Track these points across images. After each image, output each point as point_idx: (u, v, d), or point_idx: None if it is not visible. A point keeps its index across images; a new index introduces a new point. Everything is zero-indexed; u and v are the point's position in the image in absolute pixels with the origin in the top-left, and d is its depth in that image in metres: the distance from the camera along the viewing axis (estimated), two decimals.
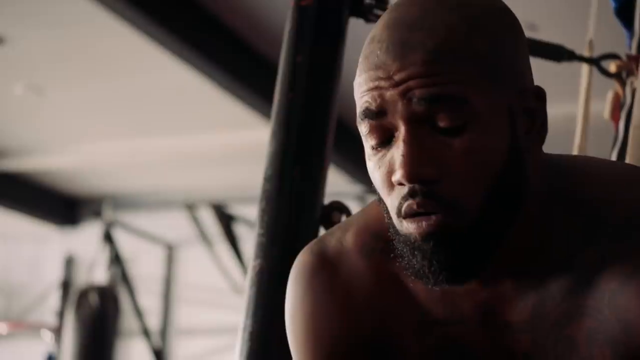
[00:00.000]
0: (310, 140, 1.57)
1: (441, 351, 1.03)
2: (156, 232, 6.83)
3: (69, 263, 7.11)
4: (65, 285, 6.79)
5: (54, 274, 7.05)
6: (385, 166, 0.94)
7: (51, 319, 6.61)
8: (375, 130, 0.94)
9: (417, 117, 0.92)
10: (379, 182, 0.96)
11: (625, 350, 0.97)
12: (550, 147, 1.01)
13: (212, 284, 6.52)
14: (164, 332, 6.86)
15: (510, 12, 0.99)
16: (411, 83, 0.91)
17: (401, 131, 0.92)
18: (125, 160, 6.12)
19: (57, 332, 6.26)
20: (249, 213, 6.06)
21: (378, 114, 0.93)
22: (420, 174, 0.91)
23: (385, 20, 0.95)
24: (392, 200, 0.95)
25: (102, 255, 5.74)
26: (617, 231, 0.99)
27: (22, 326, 6.79)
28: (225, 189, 6.44)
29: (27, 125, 5.74)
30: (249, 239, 5.22)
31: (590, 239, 0.99)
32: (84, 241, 6.97)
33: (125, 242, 6.26)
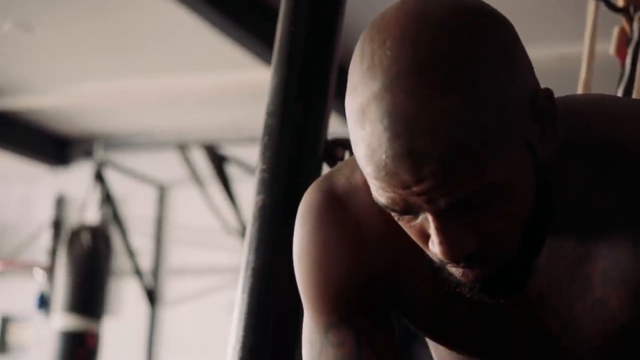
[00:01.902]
0: (313, 74, 1.55)
1: (449, 293, 1.02)
2: (148, 173, 6.81)
3: (60, 203, 7.10)
4: (57, 225, 6.79)
5: (45, 213, 7.03)
6: (417, 229, 0.92)
7: (43, 258, 6.62)
8: (401, 213, 0.91)
9: (446, 211, 0.88)
10: (409, 233, 0.94)
11: (638, 289, 0.97)
12: (555, 85, 0.99)
13: (204, 224, 6.53)
14: (155, 272, 6.88)
15: (498, 24, 0.90)
16: (433, 194, 0.86)
17: (430, 220, 0.89)
18: (117, 100, 6.07)
19: (49, 271, 6.27)
20: (241, 154, 6.04)
21: (402, 212, 0.90)
22: (460, 255, 0.90)
23: (375, 110, 0.85)
24: (430, 248, 0.92)
25: (94, 196, 5.72)
26: (632, 172, 0.98)
27: (14, 265, 6.80)
28: (217, 129, 6.41)
29: (16, 63, 5.67)
30: (241, 180, 5.23)
31: (604, 182, 0.98)
32: (75, 181, 6.94)
33: (116, 182, 6.24)
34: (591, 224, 0.98)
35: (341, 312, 1.06)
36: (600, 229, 0.98)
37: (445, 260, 0.91)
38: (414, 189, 0.86)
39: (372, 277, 1.06)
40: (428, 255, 0.95)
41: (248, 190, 5.14)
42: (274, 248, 1.43)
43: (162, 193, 7.03)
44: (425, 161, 0.84)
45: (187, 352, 6.74)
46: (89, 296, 4.99)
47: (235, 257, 6.40)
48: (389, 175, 0.86)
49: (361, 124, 0.87)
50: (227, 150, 6.00)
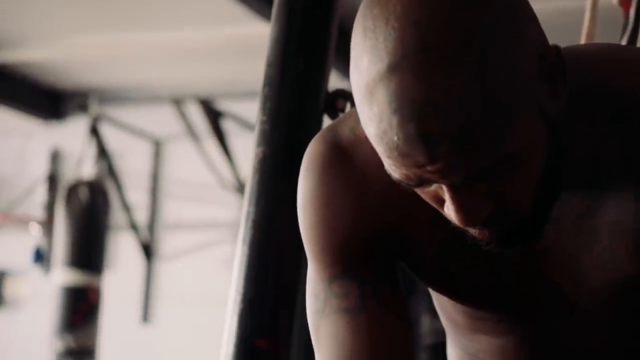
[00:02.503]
0: (315, 24, 1.52)
1: (454, 245, 1.02)
2: (143, 127, 6.79)
3: (55, 157, 7.08)
4: (52, 179, 6.77)
5: (40, 168, 7.02)
6: (431, 195, 0.92)
7: (38, 212, 6.61)
8: (415, 187, 0.91)
9: (460, 183, 0.88)
10: (423, 197, 0.94)
11: None
12: (557, 40, 0.97)
13: (199, 179, 6.52)
14: (151, 226, 6.88)
15: None
16: (447, 172, 0.85)
17: (445, 189, 0.88)
18: (112, 54, 6.02)
19: (45, 225, 6.27)
20: (237, 109, 6.02)
21: (416, 186, 0.90)
22: (476, 221, 0.89)
23: (383, 92, 0.83)
24: (445, 212, 0.92)
25: (89, 150, 5.70)
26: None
27: (9, 219, 6.79)
28: (213, 84, 6.37)
29: (10, 16, 5.61)
30: (237, 135, 5.21)
31: (612, 132, 0.97)
32: (70, 136, 6.92)
33: (112, 137, 6.21)
34: (599, 176, 0.97)
35: (345, 264, 1.06)
36: (608, 181, 0.97)
37: (461, 225, 0.91)
38: (428, 168, 0.85)
39: (377, 229, 1.05)
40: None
41: (244, 145, 5.15)
42: (275, 200, 1.42)
43: (158, 148, 7.01)
44: (438, 142, 0.83)
45: (183, 306, 6.77)
46: (89, 251, 4.99)
47: (231, 212, 6.40)
48: (402, 156, 0.85)
49: (369, 104, 0.85)
50: (223, 105, 5.97)
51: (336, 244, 1.06)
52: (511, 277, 1.04)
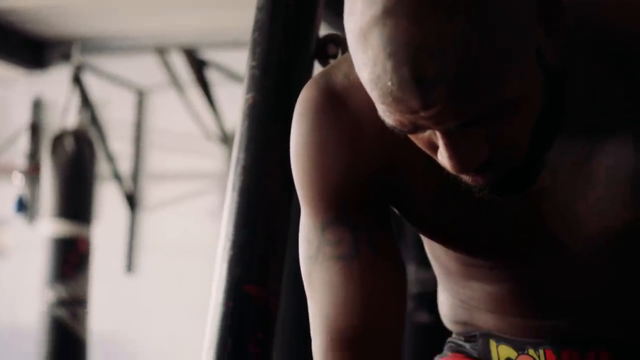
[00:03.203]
0: None
1: (448, 191, 1.01)
2: (126, 77, 6.72)
3: (37, 106, 7.01)
4: (34, 128, 6.71)
5: (23, 117, 6.95)
6: (425, 141, 0.90)
7: (21, 161, 6.56)
8: (409, 133, 0.89)
9: (455, 130, 0.86)
10: (416, 143, 0.92)
11: None
12: None
13: (183, 130, 6.48)
14: (135, 177, 6.85)
15: None
16: (441, 118, 0.83)
17: (439, 136, 0.87)
18: (95, 2, 5.94)
19: (28, 174, 6.22)
20: (222, 59, 5.96)
21: (410, 132, 0.88)
22: (470, 168, 0.88)
23: (377, 36, 0.82)
24: (439, 159, 0.91)
25: (72, 100, 5.64)
26: None
27: None
28: (197, 33, 6.30)
29: None
30: (221, 85, 5.16)
31: (613, 76, 0.95)
32: (52, 85, 6.85)
33: (94, 86, 6.15)
34: (598, 120, 0.96)
35: (338, 210, 1.05)
36: (607, 126, 0.96)
37: (455, 172, 0.89)
38: (422, 114, 0.83)
39: (371, 174, 1.04)
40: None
41: (228, 96, 5.11)
42: (264, 146, 1.40)
43: (141, 98, 6.95)
44: (432, 87, 0.81)
45: (167, 256, 6.77)
46: (77, 201, 4.96)
47: (216, 163, 6.38)
48: (396, 102, 0.83)
49: (363, 48, 0.84)
50: (207, 54, 5.91)
51: (329, 190, 1.05)
52: (506, 223, 1.03)
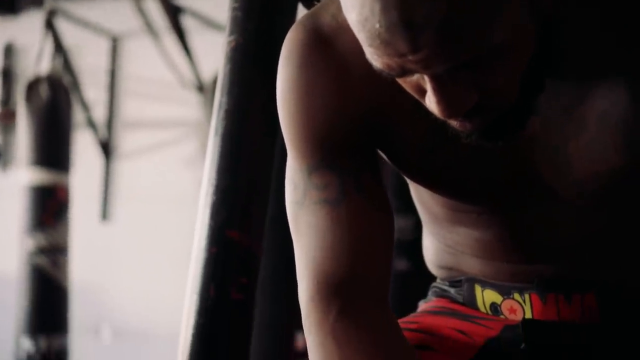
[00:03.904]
0: None
1: (437, 136, 0.99)
2: (100, 23, 6.62)
3: (9, 52, 6.91)
4: (6, 74, 6.62)
5: None
6: (413, 85, 0.88)
7: None
8: (396, 77, 0.87)
9: (443, 74, 0.84)
10: (404, 87, 0.90)
11: (636, 133, 0.94)
12: None
13: (159, 77, 6.41)
14: (110, 124, 6.79)
15: None
16: (430, 62, 0.81)
17: (427, 80, 0.85)
18: None
19: (1, 121, 6.15)
20: (198, 5, 5.88)
21: (398, 76, 0.86)
22: (457, 113, 0.86)
23: None
24: (427, 104, 0.88)
25: (45, 45, 5.55)
26: (633, 12, 0.93)
27: None
28: None
29: None
30: (197, 32, 5.08)
31: (605, 21, 0.94)
32: (25, 30, 6.74)
33: (68, 32, 6.05)
34: (589, 66, 0.95)
35: (325, 153, 1.03)
36: (598, 71, 0.95)
37: (442, 117, 0.88)
38: (410, 57, 0.82)
39: (359, 118, 1.02)
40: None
41: (205, 43, 5.04)
42: (247, 89, 1.38)
43: (116, 44, 6.86)
44: (421, 31, 0.79)
45: (143, 204, 6.74)
46: (54, 149, 4.90)
47: (191, 111, 6.33)
48: (384, 44, 0.81)
49: None
50: (183, 0, 5.83)
51: (316, 133, 1.03)
52: (494, 169, 1.02)
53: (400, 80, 0.89)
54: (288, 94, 1.04)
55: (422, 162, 1.04)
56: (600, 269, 1.06)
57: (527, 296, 1.09)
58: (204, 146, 5.78)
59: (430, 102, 0.87)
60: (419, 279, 1.56)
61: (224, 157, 1.36)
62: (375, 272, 1.03)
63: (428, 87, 0.86)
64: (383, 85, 0.98)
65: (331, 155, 1.03)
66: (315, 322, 1.01)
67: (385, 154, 1.08)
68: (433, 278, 1.29)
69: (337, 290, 1.01)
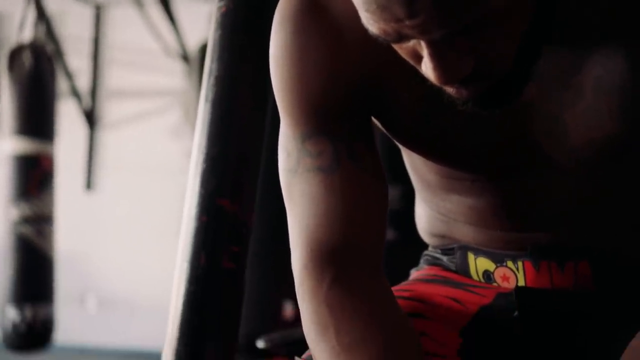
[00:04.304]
0: None
1: (433, 103, 0.98)
2: None
3: None
4: None
5: None
6: (409, 50, 0.87)
7: None
8: (393, 42, 0.86)
9: (440, 39, 0.83)
10: (400, 53, 0.89)
11: (632, 100, 0.94)
12: None
13: (143, 46, 6.37)
14: (94, 93, 6.74)
15: None
16: (426, 27, 0.80)
17: (424, 46, 0.84)
18: None
19: None
20: None
21: (394, 42, 0.85)
22: (454, 79, 0.85)
23: None
24: (423, 70, 0.87)
25: (27, 13, 5.49)
26: None
27: None
28: None
29: None
30: (182, 1, 5.04)
31: None
32: None
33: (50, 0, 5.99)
34: (587, 32, 0.94)
35: (319, 121, 1.02)
36: (596, 37, 0.94)
37: (438, 83, 0.87)
38: (407, 22, 0.80)
39: (353, 84, 1.01)
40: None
41: (189, 12, 5.01)
42: (238, 55, 1.36)
43: (99, 12, 6.79)
44: None
45: (128, 174, 6.72)
46: (38, 118, 4.86)
47: (176, 80, 6.29)
48: (380, 9, 0.80)
49: None
50: None
51: (310, 100, 1.02)
52: (490, 136, 1.02)
53: (396, 46, 0.88)
54: (281, 61, 1.02)
55: (417, 129, 1.03)
56: (594, 236, 1.06)
57: (520, 264, 1.09)
58: (188, 116, 5.75)
59: (427, 68, 0.86)
60: (405, 248, 1.56)
61: (214, 124, 1.34)
62: (370, 239, 1.02)
63: (424, 53, 0.85)
64: (378, 51, 0.97)
65: (325, 122, 1.02)
66: (308, 290, 1.00)
67: (379, 121, 1.07)
68: (419, 247, 1.29)
69: (331, 258, 1.00)
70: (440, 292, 1.14)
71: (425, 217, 1.21)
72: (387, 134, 1.10)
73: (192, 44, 5.68)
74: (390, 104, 1.03)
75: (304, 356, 1.06)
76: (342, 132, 1.02)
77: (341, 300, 0.98)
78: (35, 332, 4.83)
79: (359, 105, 1.03)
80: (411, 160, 1.16)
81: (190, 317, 1.29)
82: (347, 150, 1.02)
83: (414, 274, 1.25)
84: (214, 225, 1.32)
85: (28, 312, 4.80)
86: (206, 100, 1.36)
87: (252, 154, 1.36)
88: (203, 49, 5.20)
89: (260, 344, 1.91)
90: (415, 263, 1.28)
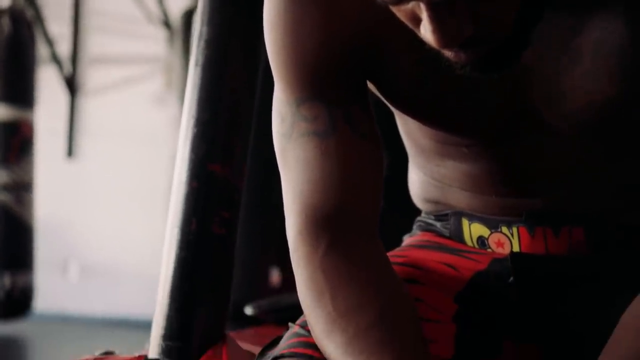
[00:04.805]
0: None
1: (429, 67, 0.97)
2: None
3: None
4: None
5: None
6: (408, 13, 0.85)
7: None
8: (391, 4, 0.84)
9: (439, 2, 0.81)
10: (398, 15, 0.87)
11: (631, 61, 0.93)
12: None
13: (125, 12, 6.30)
14: (75, 60, 6.68)
15: None
16: None
17: (423, 7, 0.82)
18: None
19: None
20: None
21: (393, 4, 0.83)
22: (454, 43, 0.83)
23: None
24: (422, 33, 0.85)
25: None
26: None
27: None
28: None
29: None
30: None
31: None
32: None
33: None
34: None
35: (315, 84, 1.01)
36: (595, 0, 0.93)
37: (437, 47, 0.86)
38: None
39: (349, 48, 1.00)
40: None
41: None
42: (229, 17, 1.34)
43: None
44: None
45: (109, 141, 6.67)
46: (17, 84, 4.81)
47: (158, 47, 6.23)
48: None
49: None
50: None
51: (305, 63, 1.00)
52: (487, 100, 1.01)
53: (394, 9, 0.87)
54: (276, 24, 1.01)
55: (414, 93, 1.02)
56: (590, 202, 1.05)
57: (515, 229, 1.08)
58: (170, 83, 5.71)
59: (426, 31, 0.84)
60: (392, 216, 1.55)
61: (204, 88, 1.32)
62: (365, 205, 1.01)
63: (424, 15, 0.84)
64: (376, 13, 0.96)
65: (320, 86, 1.01)
66: (303, 256, 0.99)
67: (375, 85, 1.06)
68: (406, 215, 1.28)
69: (326, 224, 0.99)
70: (434, 258, 1.13)
71: (418, 183, 1.20)
72: (383, 98, 1.08)
73: (175, 10, 5.62)
74: (387, 67, 1.01)
75: (297, 322, 1.05)
76: (338, 96, 1.01)
77: (337, 266, 0.97)
78: (14, 300, 4.82)
79: (355, 69, 1.01)
80: (406, 126, 1.14)
81: (181, 283, 1.28)
82: (343, 114, 1.01)
83: (407, 240, 1.24)
84: (204, 191, 1.30)
85: (7, 280, 4.78)
86: (196, 64, 1.33)
87: (243, 119, 1.34)
88: (186, 16, 5.16)
89: (249, 310, 1.91)
90: (401, 231, 1.28)
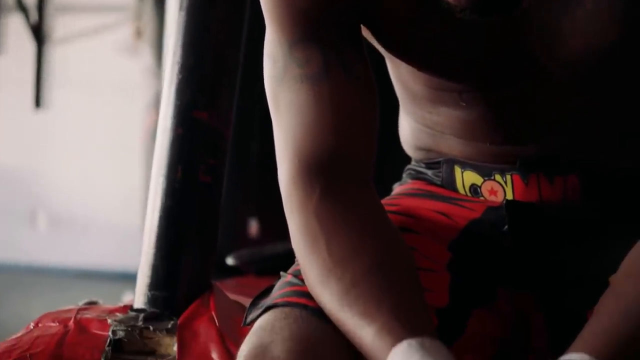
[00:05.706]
0: None
1: (426, 10, 0.95)
2: None
3: None
4: None
5: None
6: None
7: None
8: None
9: None
10: None
11: (633, 4, 0.91)
12: None
13: None
14: (41, 7, 6.53)
15: None
16: None
17: None
18: None
19: None
20: None
21: None
22: None
23: None
24: None
25: None
26: None
27: None
28: None
29: None
30: None
31: None
32: None
33: None
34: None
35: (307, 27, 0.98)
36: None
37: None
38: None
39: None
40: None
41: None
42: None
43: None
44: None
45: (78, 91, 6.58)
46: None
47: None
48: None
49: None
50: None
51: (297, 4, 0.98)
52: (483, 43, 0.99)
53: None
54: None
55: (408, 37, 1.00)
56: (584, 149, 1.04)
57: (508, 177, 1.07)
58: (139, 32, 5.61)
59: None
60: (380, 165, 1.53)
61: (189, 33, 1.29)
62: (360, 150, 0.99)
63: None
64: None
65: (313, 28, 0.98)
66: (297, 202, 0.97)
67: (369, 28, 1.04)
68: (395, 163, 1.26)
69: (320, 170, 0.97)
70: (427, 206, 1.11)
71: (409, 130, 1.18)
72: (376, 43, 1.06)
73: None
74: (381, 11, 0.99)
75: (290, 271, 1.03)
76: (331, 39, 0.98)
77: (331, 213, 0.95)
78: None
79: (348, 10, 0.99)
80: (398, 72, 1.12)
81: (167, 232, 1.25)
82: (337, 57, 0.98)
83: (397, 188, 1.22)
84: (190, 138, 1.27)
85: None
86: (180, 8, 1.30)
87: (230, 64, 1.31)
88: None
89: (230, 261, 1.89)
90: (387, 180, 1.26)
